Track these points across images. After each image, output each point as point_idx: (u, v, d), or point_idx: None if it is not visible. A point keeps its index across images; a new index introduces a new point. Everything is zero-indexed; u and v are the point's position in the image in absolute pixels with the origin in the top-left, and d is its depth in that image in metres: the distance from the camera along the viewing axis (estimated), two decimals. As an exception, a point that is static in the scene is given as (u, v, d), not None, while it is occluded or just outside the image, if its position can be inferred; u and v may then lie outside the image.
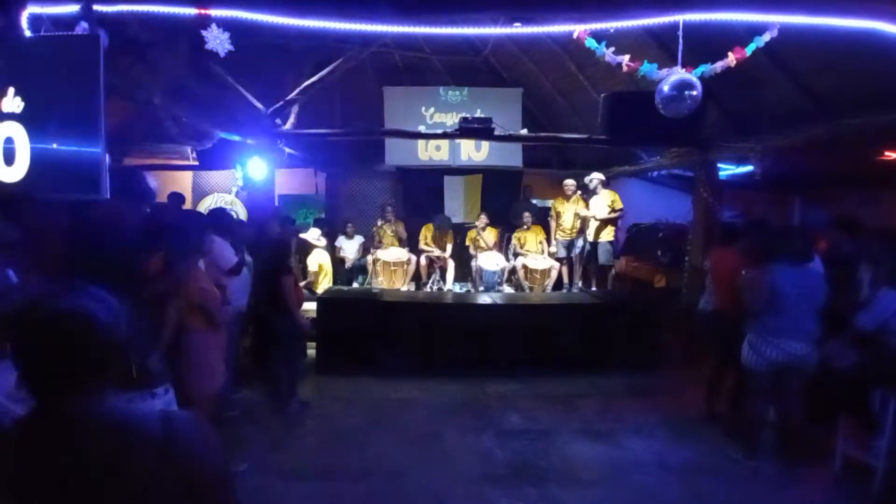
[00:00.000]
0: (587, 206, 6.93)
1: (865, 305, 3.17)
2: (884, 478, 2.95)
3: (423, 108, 7.89)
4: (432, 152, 8.12)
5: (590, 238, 6.88)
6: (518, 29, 3.40)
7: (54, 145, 2.30)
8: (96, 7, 2.49)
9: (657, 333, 5.59)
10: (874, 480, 3.00)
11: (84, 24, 2.43)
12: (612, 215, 6.77)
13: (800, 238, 3.44)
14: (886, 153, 4.76)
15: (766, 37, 3.39)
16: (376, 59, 7.42)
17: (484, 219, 7.36)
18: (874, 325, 3.03)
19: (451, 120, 7.49)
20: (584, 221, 6.92)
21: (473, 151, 8.13)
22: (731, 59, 3.60)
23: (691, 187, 6.37)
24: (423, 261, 7.30)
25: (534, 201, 8.32)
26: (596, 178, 6.87)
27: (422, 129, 6.48)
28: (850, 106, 4.01)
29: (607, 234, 6.80)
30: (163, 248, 2.61)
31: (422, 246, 7.36)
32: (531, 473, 3.37)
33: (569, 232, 7.06)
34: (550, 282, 7.02)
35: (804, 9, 2.82)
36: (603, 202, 6.79)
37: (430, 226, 7.45)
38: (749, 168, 5.39)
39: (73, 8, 2.50)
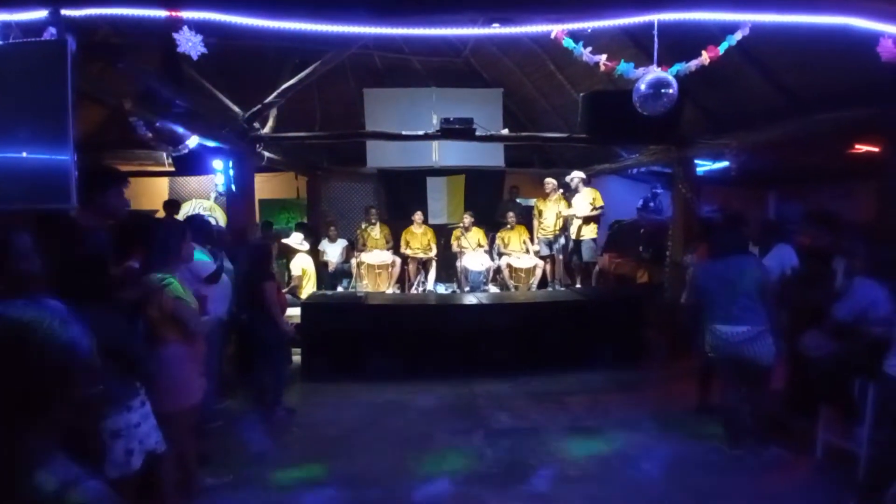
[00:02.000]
0: (569, 204, 6.99)
1: (842, 296, 3.24)
2: (865, 464, 3.02)
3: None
4: (436, 154, 8.11)
5: (573, 236, 6.93)
6: (496, 29, 3.40)
7: (24, 153, 2.23)
8: (65, 12, 2.41)
9: (641, 328, 5.66)
10: (856, 467, 3.06)
11: (52, 30, 2.35)
12: (594, 213, 6.83)
13: (726, 232, 3.73)
14: (857, 147, 4.88)
15: (739, 35, 3.45)
16: (355, 62, 7.37)
17: (468, 218, 7.36)
18: (851, 314, 3.10)
19: (434, 121, 7.50)
20: (567, 220, 6.97)
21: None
22: (705, 57, 3.67)
23: (670, 184, 6.47)
24: (409, 265, 7.27)
25: (518, 200, 8.36)
26: (577, 176, 6.93)
27: (432, 130, 6.49)
28: (822, 101, 4.10)
29: (590, 232, 6.86)
30: (136, 254, 2.53)
31: (404, 250, 7.33)
32: (521, 472, 3.37)
33: (551, 230, 7.11)
34: (535, 280, 7.06)
35: (776, 7, 2.87)
36: (584, 200, 6.85)
37: (410, 229, 7.44)
38: (725, 164, 5.49)
39: (42, 14, 2.42)
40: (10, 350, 0.87)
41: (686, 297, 4.44)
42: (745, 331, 3.38)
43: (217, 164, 6.30)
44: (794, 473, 3.34)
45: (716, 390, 4.08)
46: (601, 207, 6.86)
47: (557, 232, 7.05)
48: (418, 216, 7.47)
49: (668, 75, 3.43)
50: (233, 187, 5.49)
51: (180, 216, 7.47)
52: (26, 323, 0.90)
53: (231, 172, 5.70)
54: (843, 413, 3.28)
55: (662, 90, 3.36)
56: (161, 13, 2.53)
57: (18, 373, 0.87)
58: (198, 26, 2.74)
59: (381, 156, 8.16)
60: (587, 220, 6.85)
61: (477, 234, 7.41)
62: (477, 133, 6.04)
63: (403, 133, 6.53)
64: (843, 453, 3.23)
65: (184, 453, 2.65)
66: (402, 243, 7.40)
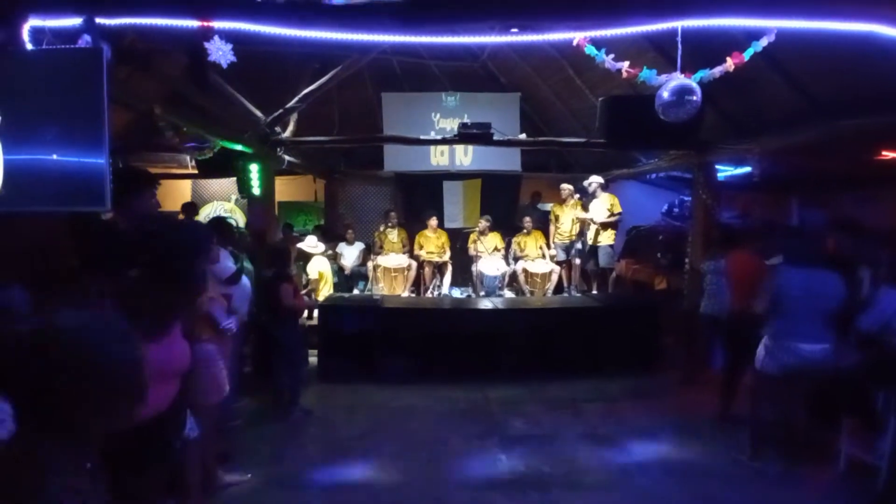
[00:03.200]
0: (586, 210, 6.96)
1: (866, 306, 3.18)
2: (887, 478, 2.96)
3: (433, 115, 7.92)
4: (439, 158, 8.16)
5: (590, 241, 6.90)
6: (518, 36, 3.41)
7: (53, 156, 2.30)
8: (99, 20, 2.50)
9: (659, 336, 5.60)
10: (878, 480, 3.00)
11: (87, 37, 2.44)
12: (611, 219, 6.79)
13: (807, 241, 3.47)
14: (883, 154, 4.78)
15: (764, 41, 3.41)
16: (374, 66, 7.44)
17: (484, 222, 7.37)
18: (876, 325, 3.05)
19: (451, 125, 7.55)
20: (584, 224, 6.94)
21: (462, 156, 8.17)
22: (730, 63, 3.62)
23: (690, 189, 6.40)
24: (425, 268, 7.30)
25: (540, 206, 8.35)
26: (595, 181, 6.90)
27: (433, 134, 6.51)
28: (846, 107, 4.03)
29: (608, 238, 6.82)
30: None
31: (418, 253, 7.36)
32: (535, 479, 3.37)
33: (567, 235, 7.08)
34: (551, 285, 7.03)
35: (802, 13, 2.84)
36: (602, 206, 6.81)
37: (424, 233, 7.47)
38: (747, 169, 5.42)
39: (76, 21, 2.50)
40: (54, 357, 0.90)
41: (759, 304, 3.79)
42: (825, 349, 3.21)
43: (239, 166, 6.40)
44: (815, 486, 3.28)
45: (739, 400, 4.01)
46: (619, 213, 6.81)
47: (574, 237, 7.02)
48: (433, 221, 7.49)
49: (691, 82, 3.39)
50: (254, 190, 5.58)
51: (200, 218, 7.62)
52: (76, 334, 0.93)
53: (252, 175, 5.79)
54: (867, 425, 3.21)
55: (686, 97, 3.32)
56: (193, 23, 2.60)
57: (56, 379, 0.89)
58: (224, 33, 2.81)
59: (398, 159, 8.22)
60: (605, 226, 6.80)
61: (494, 239, 7.41)
62: (494, 137, 6.05)
63: (421, 137, 6.57)
64: (865, 466, 3.17)
65: (204, 449, 2.71)
66: (416, 246, 7.43)
